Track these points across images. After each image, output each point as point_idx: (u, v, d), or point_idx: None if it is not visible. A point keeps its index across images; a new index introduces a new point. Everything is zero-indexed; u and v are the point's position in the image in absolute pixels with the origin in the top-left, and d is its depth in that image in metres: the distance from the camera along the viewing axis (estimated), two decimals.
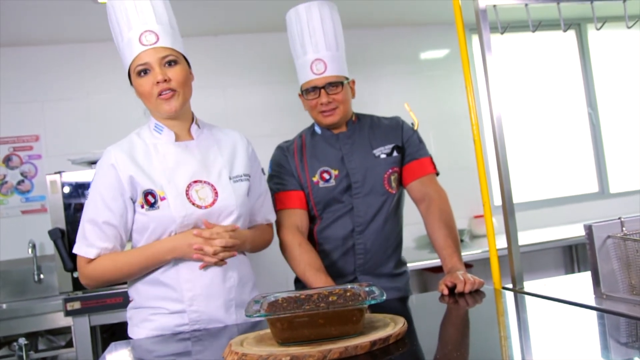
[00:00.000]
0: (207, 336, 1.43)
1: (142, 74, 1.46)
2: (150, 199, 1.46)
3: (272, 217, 1.74)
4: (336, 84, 1.77)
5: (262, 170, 1.72)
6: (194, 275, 1.48)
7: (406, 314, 1.26)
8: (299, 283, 1.82)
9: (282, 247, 1.77)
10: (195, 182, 1.49)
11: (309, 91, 1.79)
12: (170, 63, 1.47)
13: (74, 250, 1.50)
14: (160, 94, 1.46)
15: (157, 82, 1.44)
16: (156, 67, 1.45)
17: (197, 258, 1.45)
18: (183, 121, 1.55)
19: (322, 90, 1.76)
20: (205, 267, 1.48)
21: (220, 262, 1.47)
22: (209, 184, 1.51)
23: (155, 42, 1.45)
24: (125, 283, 1.59)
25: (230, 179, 1.55)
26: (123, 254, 1.49)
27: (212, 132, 1.62)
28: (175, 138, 1.54)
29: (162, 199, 1.46)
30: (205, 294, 1.49)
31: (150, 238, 1.49)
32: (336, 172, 1.80)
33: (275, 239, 1.77)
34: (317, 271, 1.66)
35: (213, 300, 1.49)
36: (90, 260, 1.48)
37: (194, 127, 1.57)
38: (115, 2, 1.50)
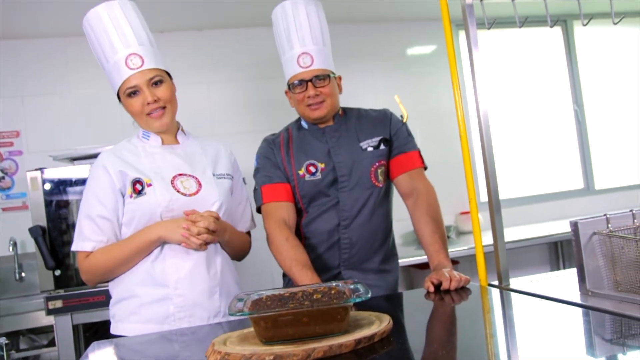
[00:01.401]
0: (191, 336, 1.41)
1: (132, 95, 1.59)
2: (137, 187, 1.56)
3: (252, 226, 1.84)
4: (323, 77, 1.76)
5: (244, 179, 1.81)
6: (178, 258, 1.56)
7: (392, 312, 1.25)
8: (287, 277, 1.80)
9: (269, 241, 1.75)
10: (180, 174, 1.61)
11: (295, 85, 1.77)
12: (157, 83, 1.60)
13: (72, 248, 1.59)
14: (150, 113, 1.60)
15: (148, 103, 1.58)
16: (145, 89, 1.58)
17: (183, 236, 1.52)
18: (170, 130, 1.68)
19: (309, 83, 1.75)
20: (188, 251, 1.55)
21: (203, 246, 1.54)
22: (193, 177, 1.63)
23: (141, 66, 1.58)
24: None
25: (213, 175, 1.66)
26: (116, 244, 1.58)
27: (197, 140, 1.75)
28: (162, 142, 1.67)
29: (149, 185, 1.56)
30: (190, 277, 1.56)
31: (137, 228, 1.56)
32: (322, 166, 1.79)
33: (257, 241, 1.77)
34: (303, 267, 1.65)
35: (197, 285, 1.56)
36: (88, 255, 1.56)
37: (180, 133, 1.71)
38: (94, 23, 1.61)
